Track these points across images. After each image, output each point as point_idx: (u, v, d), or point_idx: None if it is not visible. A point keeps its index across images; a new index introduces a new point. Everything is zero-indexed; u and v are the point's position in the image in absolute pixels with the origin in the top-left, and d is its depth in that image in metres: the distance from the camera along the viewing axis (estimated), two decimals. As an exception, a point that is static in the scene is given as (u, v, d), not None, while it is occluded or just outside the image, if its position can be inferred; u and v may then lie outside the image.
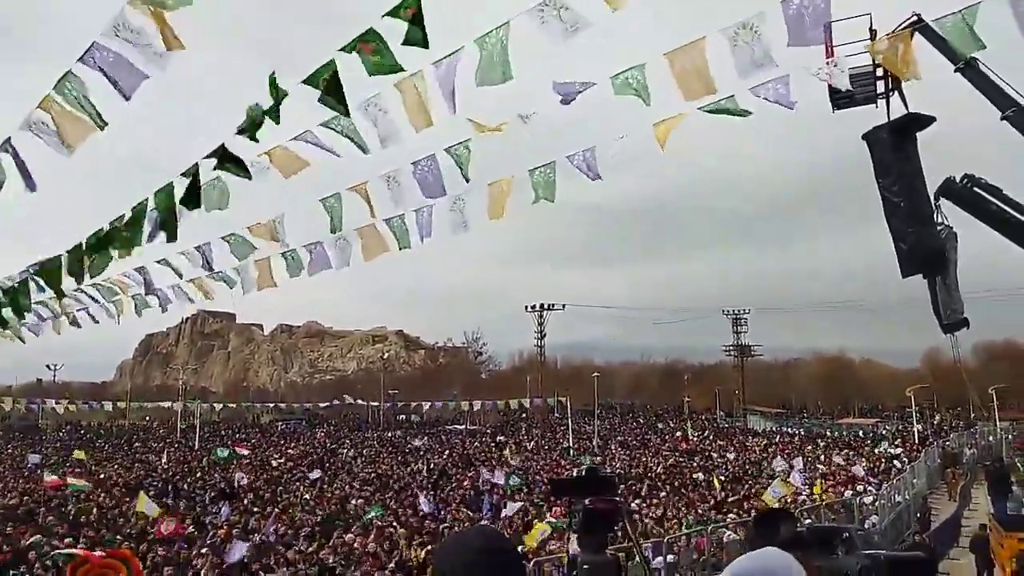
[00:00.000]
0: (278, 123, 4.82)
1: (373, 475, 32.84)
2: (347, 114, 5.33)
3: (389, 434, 56.76)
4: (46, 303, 11.75)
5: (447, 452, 43.46)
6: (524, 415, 69.53)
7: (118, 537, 17.69)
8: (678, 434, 52.29)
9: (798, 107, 6.04)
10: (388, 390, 69.49)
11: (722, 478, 29.55)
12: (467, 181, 7.06)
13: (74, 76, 5.19)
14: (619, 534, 3.23)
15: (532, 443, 50.30)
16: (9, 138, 5.97)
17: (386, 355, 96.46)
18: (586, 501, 2.98)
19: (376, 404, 65.57)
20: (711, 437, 50.99)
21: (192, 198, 5.97)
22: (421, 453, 43.44)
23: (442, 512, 22.18)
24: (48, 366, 67.21)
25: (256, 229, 8.94)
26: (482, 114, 6.38)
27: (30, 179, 5.54)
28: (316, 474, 31.28)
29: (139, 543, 16.76)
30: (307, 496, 25.96)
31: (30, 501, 24.01)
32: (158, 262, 10.28)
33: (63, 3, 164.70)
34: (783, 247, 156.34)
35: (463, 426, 62.23)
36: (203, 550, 15.35)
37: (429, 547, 14.95)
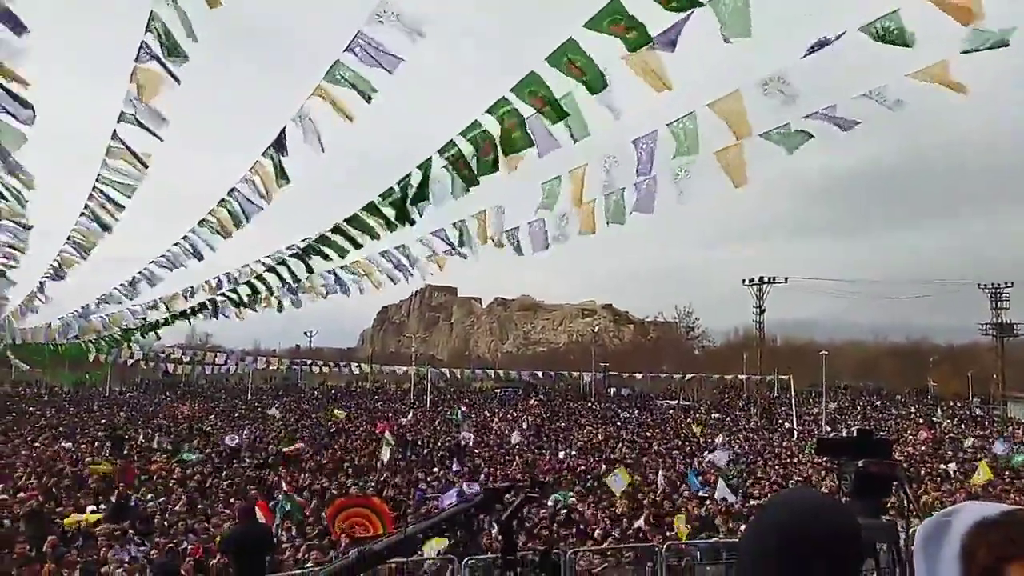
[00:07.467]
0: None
1: (586, 443, 33.88)
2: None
3: (599, 406, 57.38)
4: (309, 278, 13.75)
5: (658, 428, 43.16)
6: (740, 394, 66.74)
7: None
8: (920, 420, 47.09)
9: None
10: (599, 363, 70.24)
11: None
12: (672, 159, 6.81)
13: (341, 64, 5.99)
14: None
15: (751, 422, 48.28)
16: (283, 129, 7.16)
17: (596, 329, 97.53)
18: (859, 463, 2.84)
19: (588, 375, 66.68)
20: (963, 426, 45.30)
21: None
22: (632, 427, 43.57)
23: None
24: (305, 333, 76.88)
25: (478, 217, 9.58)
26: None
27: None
28: (516, 438, 33.15)
29: (380, 490, 18.89)
30: (523, 459, 27.40)
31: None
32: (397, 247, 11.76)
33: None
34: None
35: (676, 401, 61.20)
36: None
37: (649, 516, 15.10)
